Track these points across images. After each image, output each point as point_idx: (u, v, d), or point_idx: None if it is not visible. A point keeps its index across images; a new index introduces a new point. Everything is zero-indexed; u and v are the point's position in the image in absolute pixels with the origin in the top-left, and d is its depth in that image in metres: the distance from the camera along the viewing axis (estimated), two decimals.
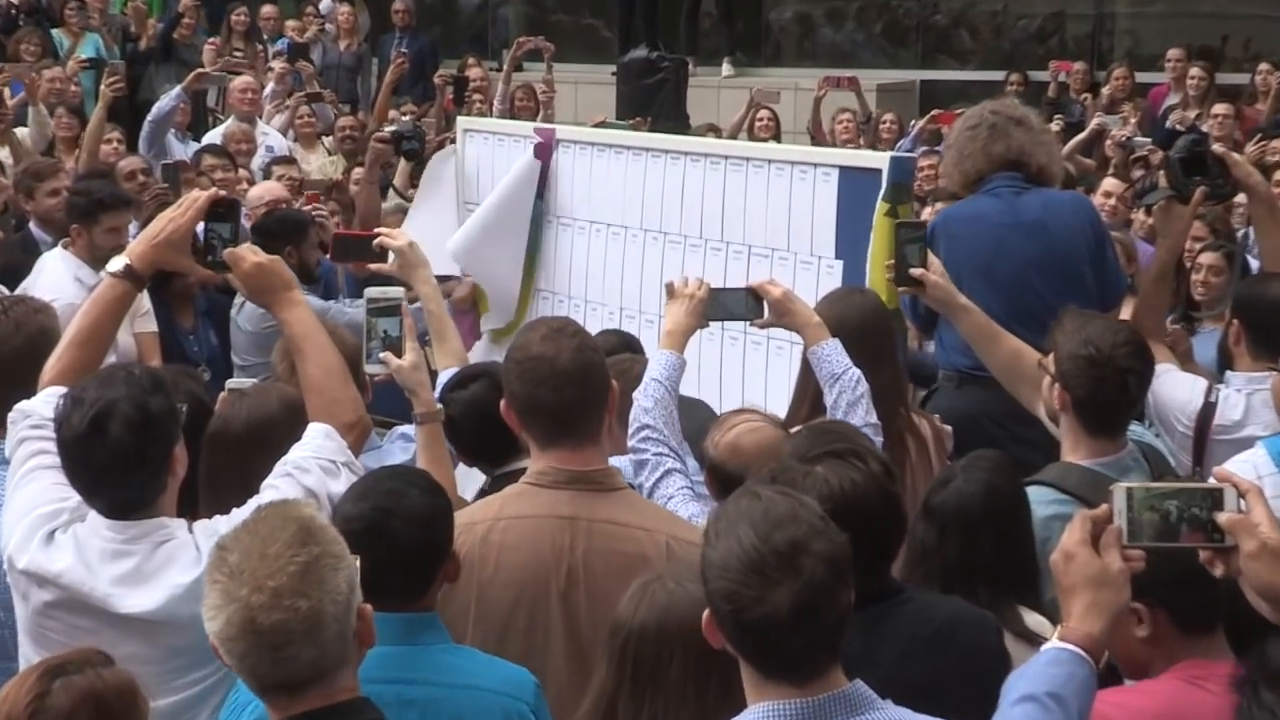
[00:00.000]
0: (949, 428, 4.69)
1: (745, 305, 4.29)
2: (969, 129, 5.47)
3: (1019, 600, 3.45)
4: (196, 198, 3.49)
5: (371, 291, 4.03)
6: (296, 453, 3.21)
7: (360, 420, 3.35)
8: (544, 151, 6.40)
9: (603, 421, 3.40)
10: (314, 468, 3.17)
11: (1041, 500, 3.70)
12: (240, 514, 3.02)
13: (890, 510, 3.02)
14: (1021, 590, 3.47)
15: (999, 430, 4.80)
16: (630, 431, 3.91)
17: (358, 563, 2.50)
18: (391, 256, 4.59)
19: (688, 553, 3.25)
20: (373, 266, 4.64)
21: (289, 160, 9.19)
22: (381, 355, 3.94)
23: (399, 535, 2.96)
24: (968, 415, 4.88)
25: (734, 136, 11.20)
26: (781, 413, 4.32)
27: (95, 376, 3.14)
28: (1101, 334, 3.80)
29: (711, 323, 4.31)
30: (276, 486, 3.14)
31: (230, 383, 4.18)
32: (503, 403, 3.40)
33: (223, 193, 3.55)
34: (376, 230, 4.84)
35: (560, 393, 3.31)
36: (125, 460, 3.01)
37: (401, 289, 4.09)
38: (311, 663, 2.42)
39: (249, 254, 3.44)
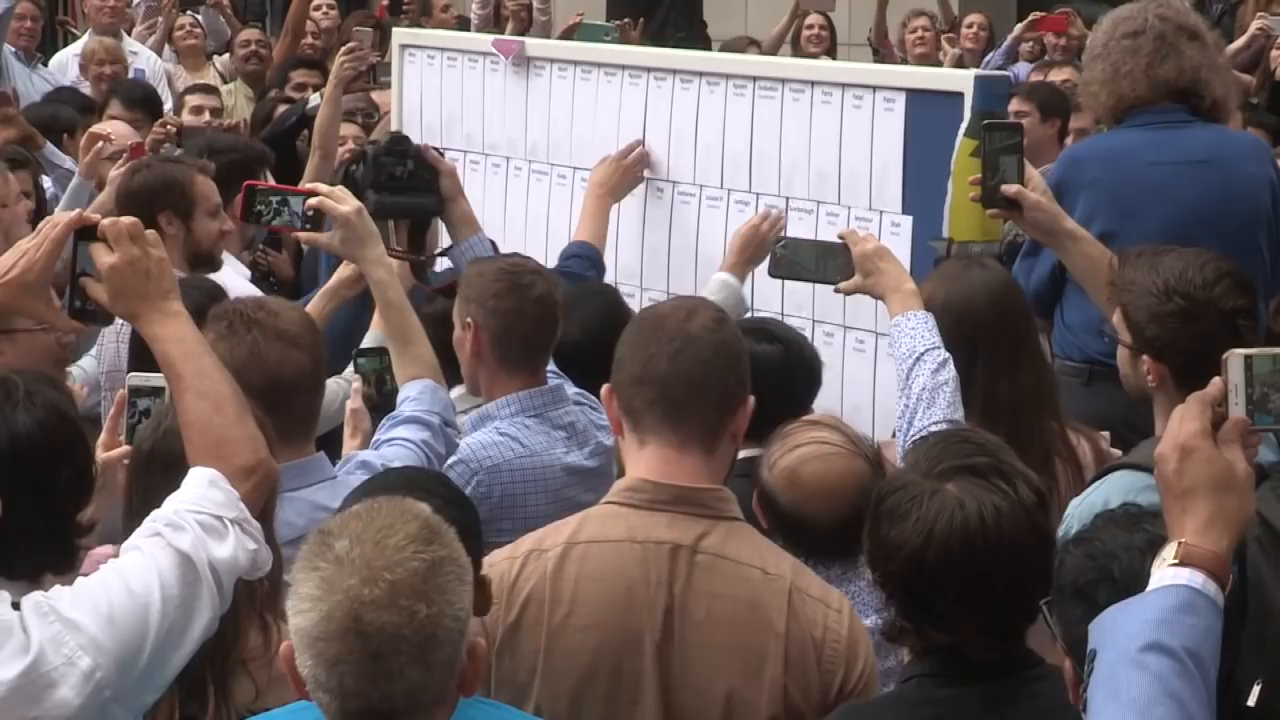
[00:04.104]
0: (1117, 451, 4.60)
1: (824, 261, 4.33)
2: (1127, 37, 5.43)
3: None
4: (56, 223, 3.40)
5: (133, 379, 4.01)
6: (170, 505, 3.17)
7: (260, 465, 3.29)
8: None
9: (724, 429, 3.48)
10: (190, 525, 3.11)
11: (1131, 488, 3.66)
12: (86, 584, 3.00)
13: (1040, 554, 3.01)
14: None
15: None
16: None
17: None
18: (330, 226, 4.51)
19: (811, 610, 3.38)
20: (303, 237, 4.59)
21: (207, 88, 9.05)
22: None
23: None
24: (1103, 423, 4.84)
25: (773, 53, 11.17)
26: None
27: None
28: (1183, 272, 3.75)
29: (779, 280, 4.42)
30: (139, 548, 3.09)
31: (133, 378, 4.16)
32: (604, 389, 3.54)
33: (95, 216, 3.47)
34: (310, 186, 4.71)
35: (676, 361, 3.43)
36: None
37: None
38: (411, 690, 2.58)
39: (126, 243, 3.33)
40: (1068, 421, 4.57)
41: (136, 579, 3.02)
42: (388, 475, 3.66)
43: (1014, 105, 8.05)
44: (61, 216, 3.46)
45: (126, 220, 3.40)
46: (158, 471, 3.50)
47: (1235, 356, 2.65)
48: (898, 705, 3.12)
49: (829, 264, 4.34)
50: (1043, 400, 4.45)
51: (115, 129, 7.51)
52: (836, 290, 4.42)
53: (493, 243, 5.36)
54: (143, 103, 8.55)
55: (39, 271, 3.39)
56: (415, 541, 2.60)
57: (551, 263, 6.09)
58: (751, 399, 3.53)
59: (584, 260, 5.72)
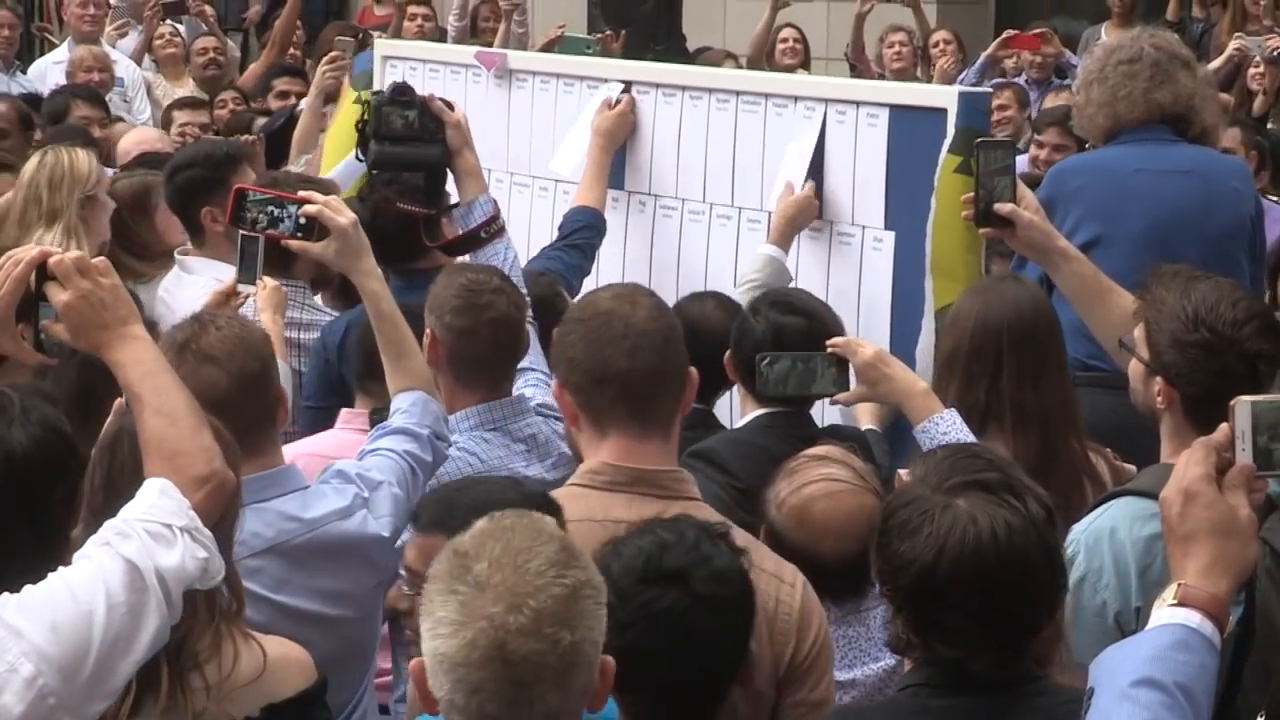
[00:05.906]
0: (1132, 467, 4.62)
1: (818, 375, 4.37)
2: (1124, 63, 5.56)
3: None
4: (19, 259, 3.40)
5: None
6: (121, 514, 3.18)
7: (214, 474, 3.29)
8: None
9: (676, 412, 3.67)
10: (137, 533, 3.13)
11: (1138, 516, 3.69)
12: (31, 592, 3.02)
13: (1049, 570, 3.04)
14: None
15: (1134, 450, 4.77)
16: None
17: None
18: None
19: (765, 584, 3.44)
20: (295, 246, 4.43)
21: (195, 103, 9.05)
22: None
23: None
24: (1091, 429, 4.87)
25: (754, 64, 11.20)
26: None
27: None
28: (1214, 305, 3.75)
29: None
30: (88, 556, 3.11)
31: None
32: (554, 385, 3.69)
33: (55, 250, 3.47)
34: (306, 194, 4.51)
35: (635, 357, 3.57)
36: None
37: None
38: (549, 714, 2.61)
39: (76, 279, 3.34)
40: (1086, 443, 4.59)
41: (82, 587, 3.03)
42: (462, 483, 3.73)
43: (1054, 138, 8.22)
44: (23, 252, 3.44)
45: (72, 255, 3.39)
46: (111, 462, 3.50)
47: (1242, 403, 2.68)
48: (891, 713, 3.13)
49: (821, 375, 4.37)
50: (1066, 417, 4.49)
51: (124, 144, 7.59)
52: (835, 403, 4.45)
53: (494, 202, 5.32)
54: (97, 97, 8.67)
55: (2, 309, 3.38)
56: (555, 565, 2.62)
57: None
58: (694, 371, 3.69)
59: (591, 230, 5.80)
